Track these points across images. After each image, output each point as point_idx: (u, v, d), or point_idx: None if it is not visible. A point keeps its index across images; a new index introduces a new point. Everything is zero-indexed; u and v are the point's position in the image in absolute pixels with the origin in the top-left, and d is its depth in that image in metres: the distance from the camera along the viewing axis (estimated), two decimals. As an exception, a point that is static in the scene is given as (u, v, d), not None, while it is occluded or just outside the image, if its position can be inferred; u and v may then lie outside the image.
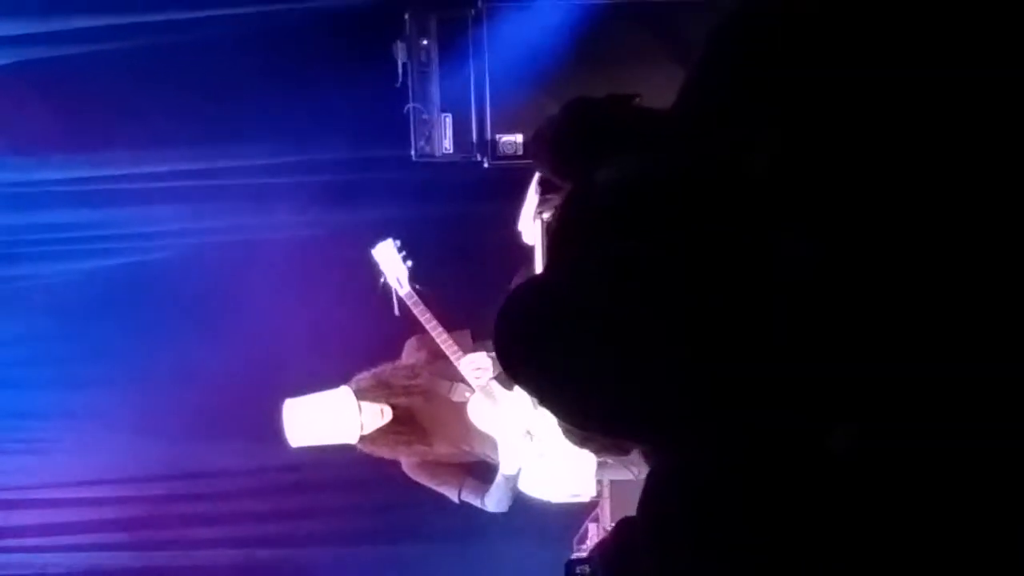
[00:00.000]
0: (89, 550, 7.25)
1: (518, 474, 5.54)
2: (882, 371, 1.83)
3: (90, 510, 7.22)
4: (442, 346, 5.55)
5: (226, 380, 6.70)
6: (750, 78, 1.96)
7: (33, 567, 7.29)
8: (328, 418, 5.50)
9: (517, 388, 4.22)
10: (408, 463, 5.69)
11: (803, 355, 1.85)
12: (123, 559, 7.19)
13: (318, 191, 6.77)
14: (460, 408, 5.62)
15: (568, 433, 2.18)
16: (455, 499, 5.70)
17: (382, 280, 5.59)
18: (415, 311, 5.54)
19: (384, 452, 5.65)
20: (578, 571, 4.03)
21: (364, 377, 5.63)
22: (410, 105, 5.86)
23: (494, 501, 5.62)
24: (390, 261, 5.60)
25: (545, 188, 5.38)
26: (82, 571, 7.24)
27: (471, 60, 5.85)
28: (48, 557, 7.30)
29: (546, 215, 5.25)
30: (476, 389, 5.57)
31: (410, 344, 5.74)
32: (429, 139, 5.85)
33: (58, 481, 7.27)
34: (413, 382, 5.63)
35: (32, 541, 7.32)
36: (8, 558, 7.30)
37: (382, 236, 5.66)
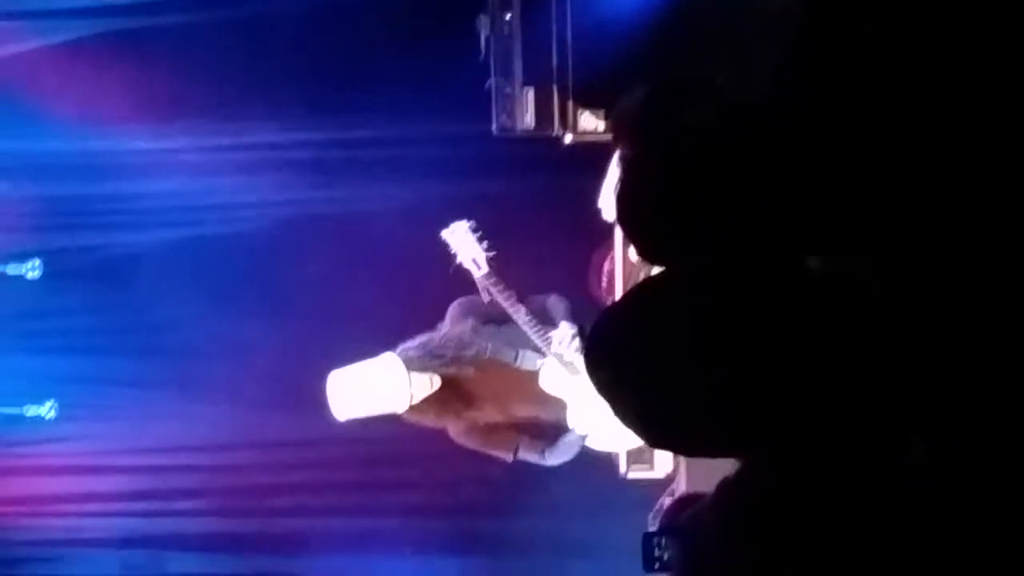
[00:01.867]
0: (154, 516, 7.30)
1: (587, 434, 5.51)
2: (963, 379, 1.80)
3: (161, 477, 7.27)
4: (523, 326, 5.43)
5: (298, 352, 6.71)
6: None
7: (100, 531, 7.34)
8: (377, 387, 5.38)
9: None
10: (456, 430, 5.59)
11: (875, 368, 1.82)
12: (199, 524, 7.24)
13: (396, 166, 6.77)
14: (525, 375, 5.54)
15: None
16: (508, 459, 5.63)
17: (456, 262, 5.43)
18: (494, 291, 5.41)
19: (430, 421, 5.57)
20: (655, 542, 4.03)
21: (411, 347, 5.49)
22: (492, 79, 5.84)
23: (557, 455, 5.57)
24: (464, 243, 5.42)
25: (627, 164, 5.35)
26: (152, 536, 7.29)
27: (554, 34, 5.82)
28: (114, 522, 7.35)
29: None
30: (556, 359, 5.48)
31: (454, 310, 5.61)
32: (511, 114, 5.83)
33: (128, 448, 7.31)
34: (464, 352, 5.52)
35: (99, 506, 7.37)
36: (77, 523, 7.36)
37: (455, 213, 5.50)
